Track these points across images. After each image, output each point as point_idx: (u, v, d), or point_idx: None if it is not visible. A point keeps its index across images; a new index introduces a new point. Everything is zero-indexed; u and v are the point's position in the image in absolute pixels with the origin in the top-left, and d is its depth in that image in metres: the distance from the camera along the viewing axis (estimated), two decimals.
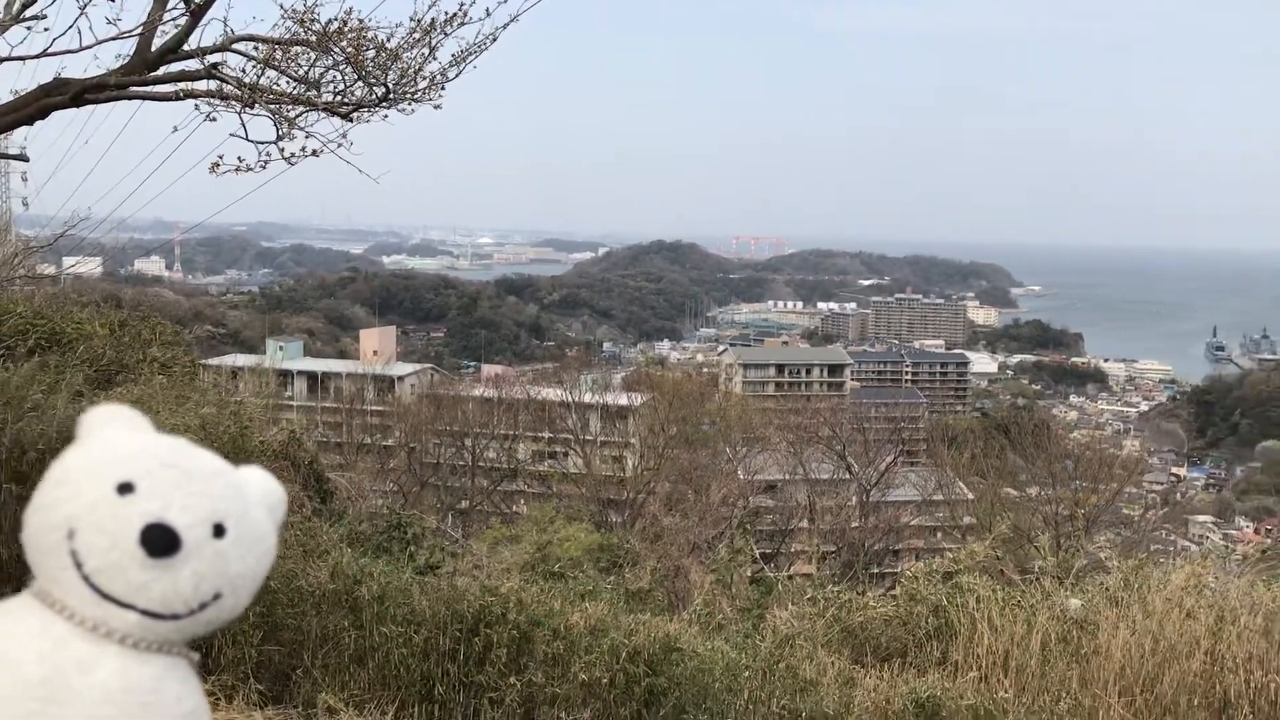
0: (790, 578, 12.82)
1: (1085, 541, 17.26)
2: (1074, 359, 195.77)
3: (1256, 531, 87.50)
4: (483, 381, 58.90)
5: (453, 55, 7.90)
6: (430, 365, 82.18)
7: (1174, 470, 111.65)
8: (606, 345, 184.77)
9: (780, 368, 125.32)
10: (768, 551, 29.13)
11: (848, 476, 36.97)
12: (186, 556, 1.43)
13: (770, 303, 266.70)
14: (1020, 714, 6.16)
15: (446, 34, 7.69)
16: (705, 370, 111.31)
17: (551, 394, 46.05)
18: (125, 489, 1.43)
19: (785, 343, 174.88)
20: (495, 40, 7.71)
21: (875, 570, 30.65)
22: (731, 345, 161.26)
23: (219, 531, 1.47)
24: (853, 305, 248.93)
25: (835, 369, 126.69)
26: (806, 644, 7.49)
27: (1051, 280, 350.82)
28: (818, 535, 30.98)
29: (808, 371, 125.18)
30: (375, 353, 78.35)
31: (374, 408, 49.67)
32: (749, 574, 10.72)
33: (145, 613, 1.43)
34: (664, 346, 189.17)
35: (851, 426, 48.70)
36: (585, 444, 41.18)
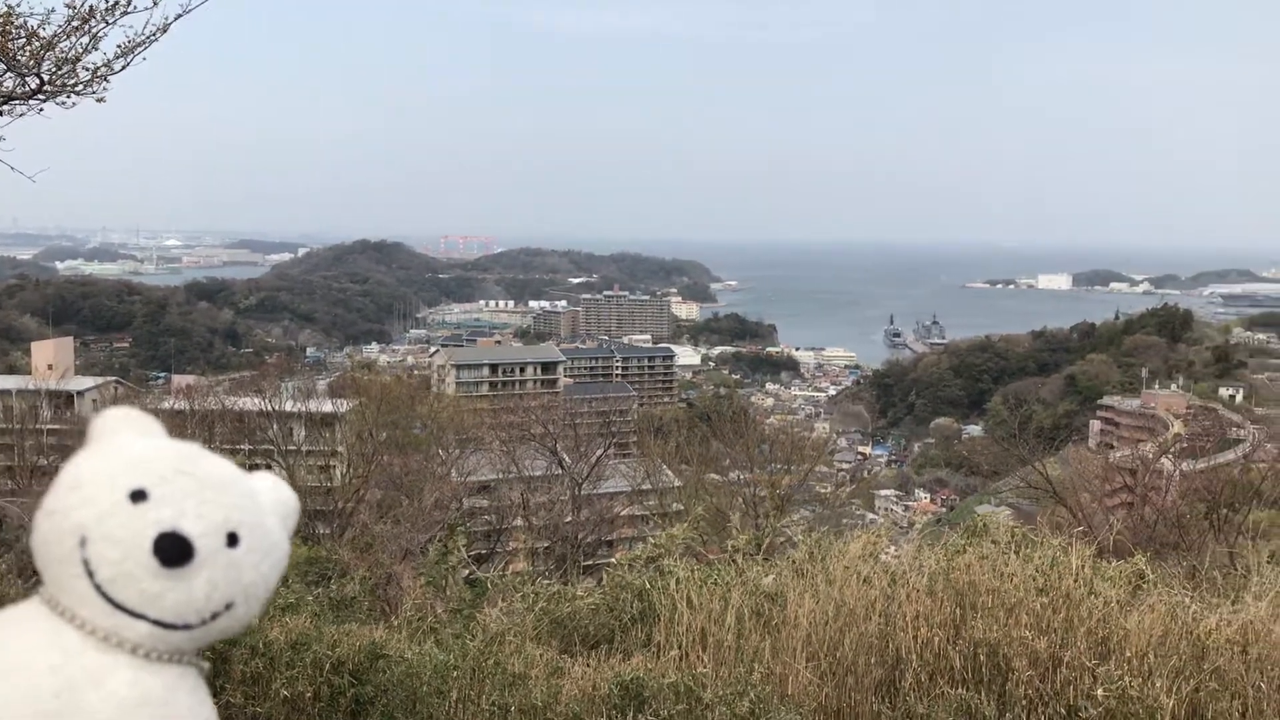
0: (503, 576, 12.87)
1: (780, 519, 18.36)
2: (769, 349, 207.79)
3: (932, 501, 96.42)
4: (173, 393, 55.32)
5: (119, 46, 7.40)
6: (114, 378, 76.80)
7: (860, 449, 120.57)
8: (310, 350, 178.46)
9: (494, 367, 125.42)
10: (483, 552, 29.09)
11: (560, 472, 37.41)
12: (200, 566, 1.42)
13: (482, 302, 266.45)
14: (718, 686, 6.47)
15: (109, 23, 7.18)
16: (416, 373, 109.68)
17: (250, 404, 43.81)
18: (138, 496, 1.41)
19: (499, 342, 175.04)
20: (165, 31, 7.29)
21: (589, 562, 31.28)
22: (443, 346, 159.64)
23: (232, 540, 1.46)
24: (563, 303, 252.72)
25: (548, 366, 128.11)
26: (516, 639, 7.56)
27: (748, 275, 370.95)
28: (531, 532, 31.19)
29: (521, 370, 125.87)
30: (50, 366, 71.96)
31: (50, 426, 45.60)
32: (464, 575, 10.67)
33: (157, 623, 1.41)
34: (372, 350, 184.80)
35: (564, 422, 49.39)
36: (289, 455, 39.46)
